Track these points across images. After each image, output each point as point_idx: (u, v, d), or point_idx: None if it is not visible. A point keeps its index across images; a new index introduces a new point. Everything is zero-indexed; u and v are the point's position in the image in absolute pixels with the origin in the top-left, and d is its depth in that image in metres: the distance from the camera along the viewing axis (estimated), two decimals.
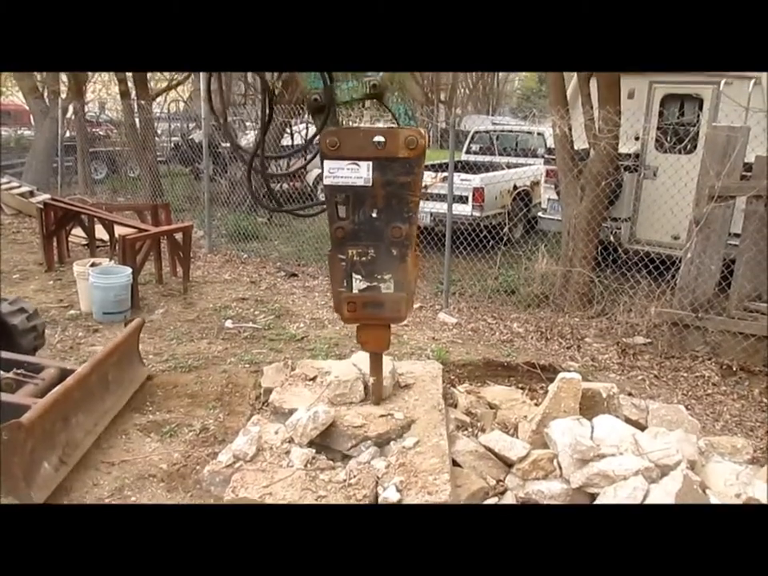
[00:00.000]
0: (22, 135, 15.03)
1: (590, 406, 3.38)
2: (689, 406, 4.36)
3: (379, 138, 2.46)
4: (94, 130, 15.24)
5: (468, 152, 11.01)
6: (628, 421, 3.52)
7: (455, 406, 3.89)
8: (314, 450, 3.07)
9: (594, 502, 2.72)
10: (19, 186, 11.15)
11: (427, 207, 8.53)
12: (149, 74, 11.68)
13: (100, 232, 7.68)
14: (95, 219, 7.22)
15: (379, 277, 2.62)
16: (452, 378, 4.52)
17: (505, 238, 7.17)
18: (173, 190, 11.50)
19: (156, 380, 4.40)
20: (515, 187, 9.04)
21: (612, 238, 6.90)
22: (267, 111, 2.84)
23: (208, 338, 5.34)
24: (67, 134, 13.07)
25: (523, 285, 6.89)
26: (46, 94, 12.69)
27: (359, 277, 2.64)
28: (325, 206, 2.74)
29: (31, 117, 14.21)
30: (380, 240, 2.56)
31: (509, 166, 9.64)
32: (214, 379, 4.49)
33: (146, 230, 6.32)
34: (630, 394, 4.55)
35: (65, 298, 6.19)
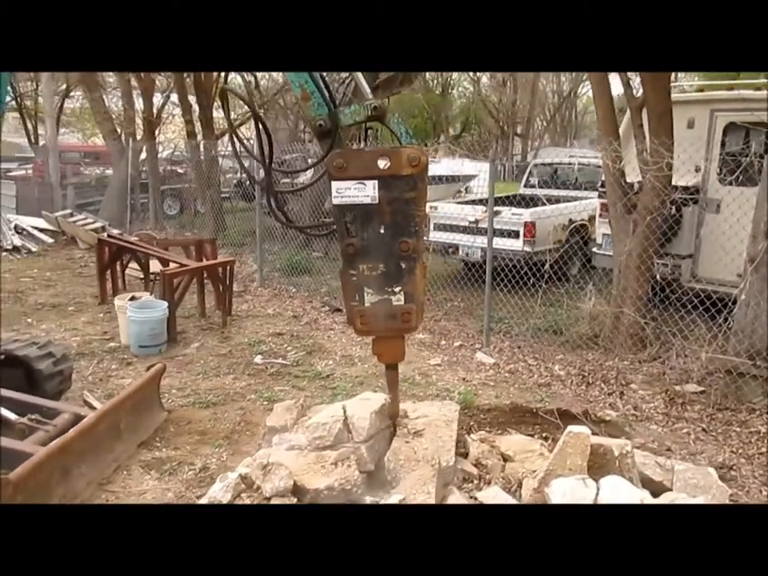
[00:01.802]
0: (102, 174, 15.97)
1: (601, 464, 3.07)
2: (735, 467, 3.92)
3: (383, 159, 2.56)
4: (172, 167, 16.02)
5: (527, 185, 10.74)
6: (650, 482, 3.18)
7: (466, 455, 3.66)
8: (295, 499, 2.94)
9: None
10: (93, 222, 11.80)
11: (477, 242, 8.34)
12: (215, 115, 12.16)
13: (155, 266, 7.94)
14: (149, 254, 7.45)
15: (389, 290, 2.70)
16: (471, 423, 4.27)
17: (551, 275, 6.83)
18: (235, 226, 11.82)
19: (172, 415, 4.40)
20: (571, 221, 8.69)
21: (670, 276, 6.45)
22: (266, 137, 2.96)
23: (234, 373, 5.32)
24: (145, 170, 13.77)
25: (572, 324, 6.54)
26: (123, 136, 13.44)
27: (370, 290, 2.71)
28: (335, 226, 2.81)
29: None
30: (389, 255, 2.65)
31: (567, 200, 9.32)
32: (229, 416, 4.44)
33: (186, 265, 6.44)
34: (668, 449, 4.16)
35: (110, 331, 6.37)
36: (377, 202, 2.57)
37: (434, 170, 15.93)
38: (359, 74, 2.88)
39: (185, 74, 12.06)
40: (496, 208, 8.50)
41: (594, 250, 7.86)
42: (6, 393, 3.83)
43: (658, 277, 5.91)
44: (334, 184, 2.58)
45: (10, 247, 10.64)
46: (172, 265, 6.43)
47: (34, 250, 10.86)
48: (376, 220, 2.60)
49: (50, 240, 11.59)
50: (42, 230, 11.95)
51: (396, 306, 2.70)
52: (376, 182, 2.55)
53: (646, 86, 5.88)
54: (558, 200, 9.51)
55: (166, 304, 5.80)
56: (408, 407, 3.90)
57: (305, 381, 5.16)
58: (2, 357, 4.18)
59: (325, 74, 2.91)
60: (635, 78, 7.21)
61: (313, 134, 2.82)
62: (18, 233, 11.56)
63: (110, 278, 7.62)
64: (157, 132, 13.76)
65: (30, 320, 6.80)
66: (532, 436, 4.09)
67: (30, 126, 24.29)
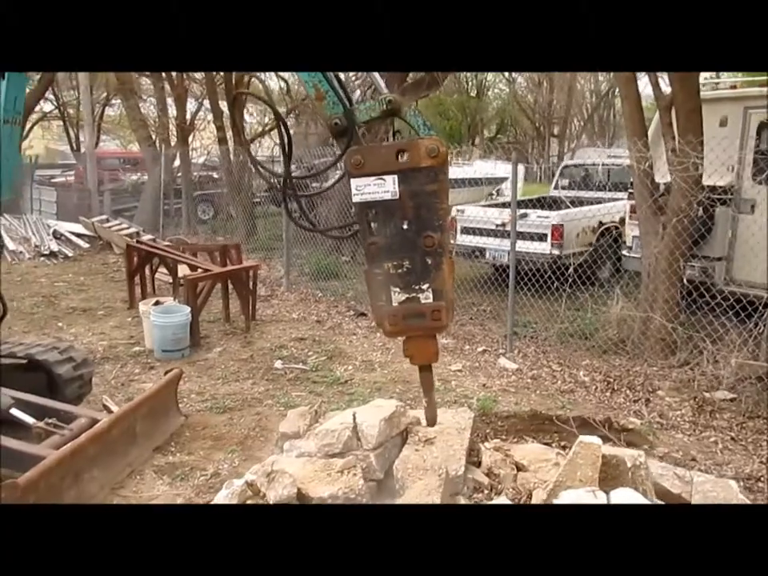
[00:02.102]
0: (138, 180, 16.32)
1: (614, 476, 2.96)
2: (763, 478, 3.75)
3: (401, 152, 2.49)
4: (208, 173, 16.25)
5: (557, 187, 10.56)
6: (667, 495, 3.06)
7: (479, 464, 3.59)
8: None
9: None
10: (128, 227, 12.05)
11: (505, 245, 8.22)
12: (246, 120, 12.29)
13: (184, 271, 8.04)
14: (175, 259, 7.54)
15: (417, 287, 2.61)
16: (488, 431, 4.19)
17: (578, 279, 6.67)
18: (265, 230, 11.92)
19: (188, 420, 4.43)
20: (601, 224, 8.50)
21: (698, 279, 6.23)
22: (286, 139, 2.87)
23: (254, 378, 5.34)
24: (180, 176, 14.00)
25: (599, 329, 6.39)
26: (157, 143, 13.69)
27: (397, 289, 2.62)
28: (357, 226, 2.74)
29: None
30: (414, 251, 2.56)
31: (600, 202, 9.13)
32: (245, 422, 4.45)
33: (209, 270, 6.50)
34: (693, 459, 4.01)
35: (136, 335, 6.47)
36: (397, 197, 2.50)
37: (464, 172, 15.84)
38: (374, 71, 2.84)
39: (216, 81, 12.23)
40: (523, 211, 8.40)
41: (624, 252, 7.67)
42: (25, 397, 3.90)
43: (684, 280, 5.70)
44: (353, 181, 2.52)
45: (47, 252, 10.94)
46: (185, 271, 6.48)
47: (70, 255, 11.14)
48: (398, 216, 2.53)
49: (86, 245, 11.87)
50: (79, 235, 12.27)
51: (425, 305, 2.61)
52: (395, 176, 2.49)
53: (674, 84, 5.71)
54: (589, 202, 9.33)
55: (188, 309, 5.86)
56: (421, 414, 3.85)
57: (323, 386, 5.15)
58: (25, 361, 4.28)
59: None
60: (664, 77, 7.01)
61: (330, 133, 2.74)
62: (56, 238, 11.88)
63: (139, 282, 7.75)
64: (190, 138, 13.98)
65: (60, 324, 6.96)
66: (549, 445, 3.99)
67: (72, 133, 24.99)
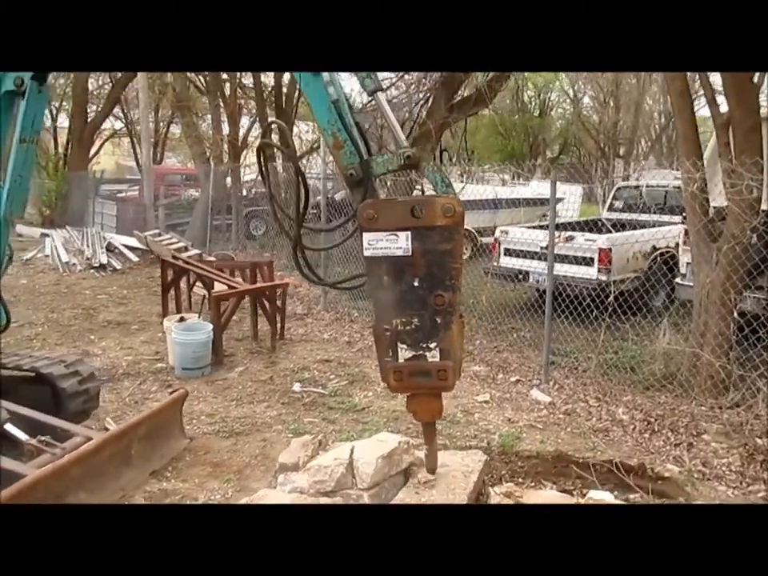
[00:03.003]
0: (190, 196, 16.67)
1: None
2: None
3: (416, 209, 2.49)
4: (263, 189, 16.44)
5: (611, 209, 10.07)
6: None
7: None
8: None
9: None
10: (178, 242, 12.21)
11: None
12: (296, 134, 12.33)
13: (219, 286, 8.01)
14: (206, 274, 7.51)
15: (424, 345, 2.59)
16: (503, 473, 3.85)
17: (623, 306, 6.23)
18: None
19: (192, 443, 4.28)
20: (654, 248, 7.99)
21: (757, 312, 5.70)
22: (303, 190, 2.88)
23: (269, 401, 5.16)
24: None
25: (645, 362, 5.92)
26: (210, 159, 13.93)
27: (404, 346, 2.62)
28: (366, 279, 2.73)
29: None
30: (423, 309, 2.56)
31: (654, 225, 8.60)
32: (249, 448, 4.26)
33: (235, 287, 6.40)
34: None
35: (161, 351, 6.41)
36: (410, 254, 2.48)
37: (516, 192, 15.45)
38: (395, 122, 2.83)
39: (266, 99, 12.35)
40: (570, 233, 8.01)
41: (677, 280, 7.15)
42: (23, 411, 3.84)
43: (735, 314, 5.19)
44: (365, 235, 2.51)
45: (97, 265, 11.19)
46: (221, 287, 6.41)
47: (118, 267, 11.36)
48: (409, 272, 2.51)
49: (136, 258, 12.10)
50: (131, 249, 12.53)
51: (431, 363, 2.59)
52: (409, 233, 2.47)
53: (731, 101, 5.27)
54: (644, 225, 8.83)
55: (210, 326, 5.76)
56: None
57: (338, 413, 4.91)
58: (32, 374, 4.23)
59: (359, 121, 2.85)
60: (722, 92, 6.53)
61: (345, 183, 2.76)
62: (109, 251, 12.16)
63: (174, 297, 7.75)
64: (243, 155, 14.16)
65: (92, 337, 7.00)
66: (570, 492, 3.62)
67: (138, 149, 25.91)
